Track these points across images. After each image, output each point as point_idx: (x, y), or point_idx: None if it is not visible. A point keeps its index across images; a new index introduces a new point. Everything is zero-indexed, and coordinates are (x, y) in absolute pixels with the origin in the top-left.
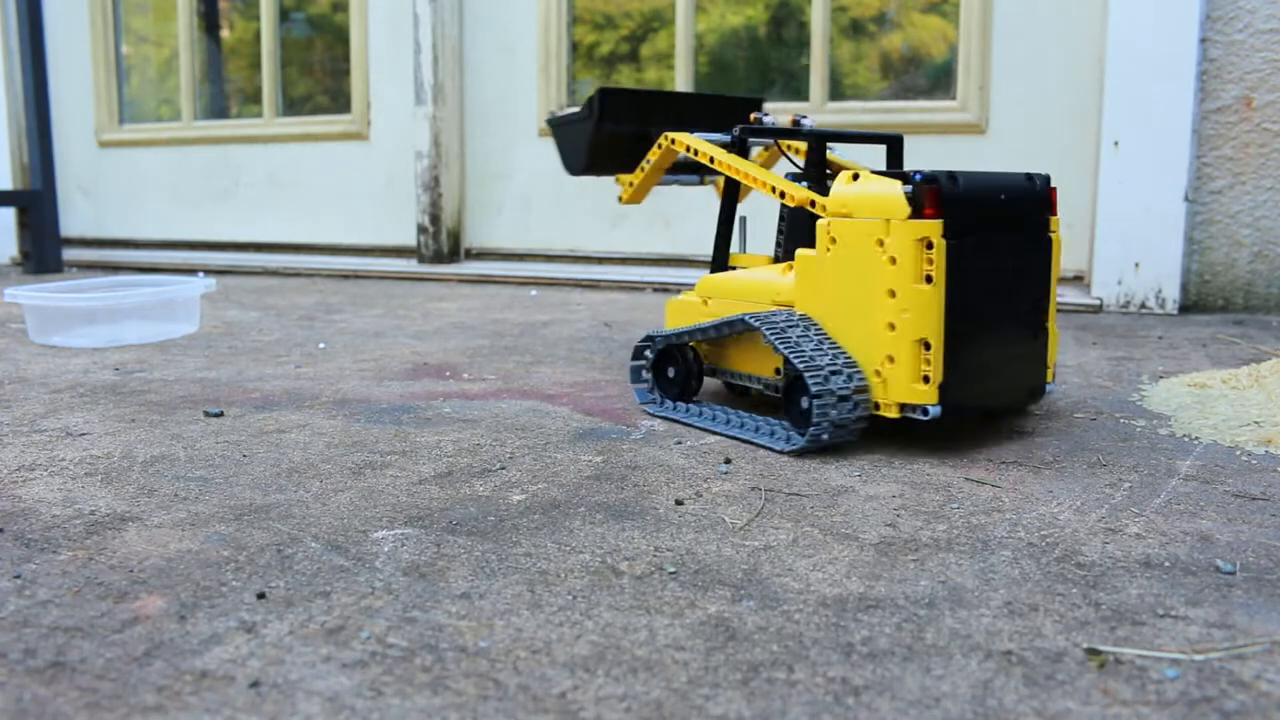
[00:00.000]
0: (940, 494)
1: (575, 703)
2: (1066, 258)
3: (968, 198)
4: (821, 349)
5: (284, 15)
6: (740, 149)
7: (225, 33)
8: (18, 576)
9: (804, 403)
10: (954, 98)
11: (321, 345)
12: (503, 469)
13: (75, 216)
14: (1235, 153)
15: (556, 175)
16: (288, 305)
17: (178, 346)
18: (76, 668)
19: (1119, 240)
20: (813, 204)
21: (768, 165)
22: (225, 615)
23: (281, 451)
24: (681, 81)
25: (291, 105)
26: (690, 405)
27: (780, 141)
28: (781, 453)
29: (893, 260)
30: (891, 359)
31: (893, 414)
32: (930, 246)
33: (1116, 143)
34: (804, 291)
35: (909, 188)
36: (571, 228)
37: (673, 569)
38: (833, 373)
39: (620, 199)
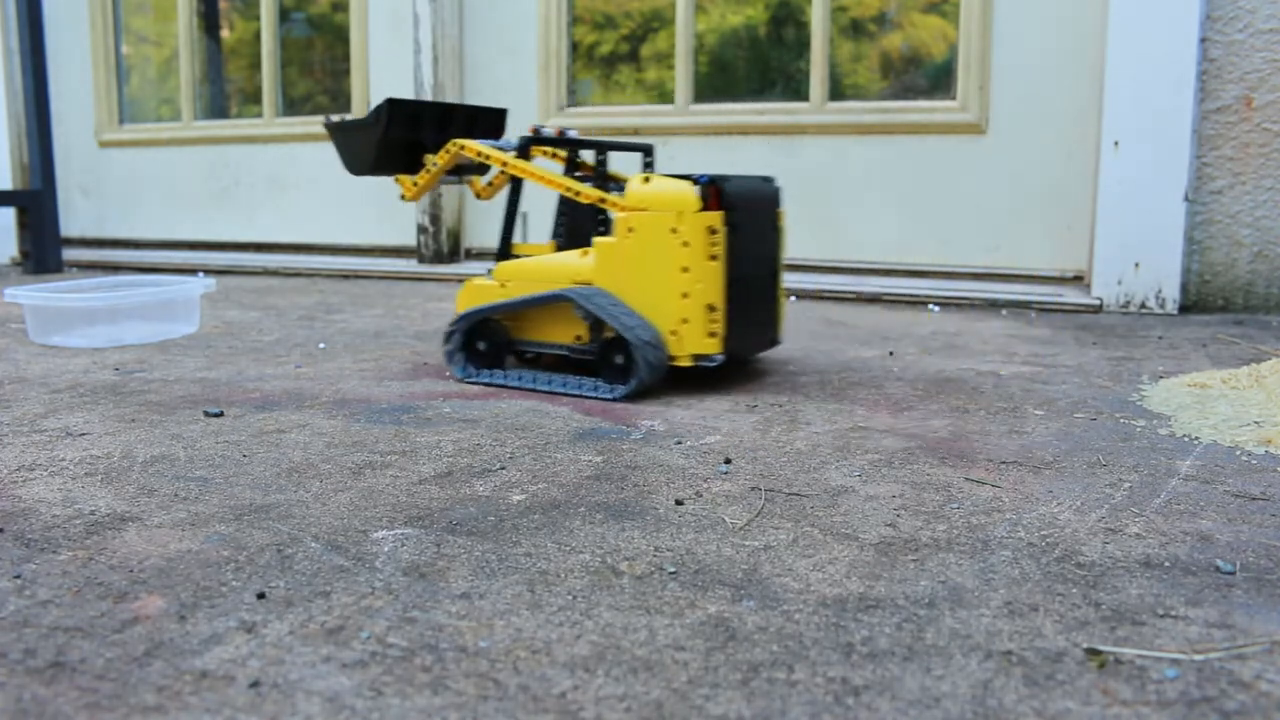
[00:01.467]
0: (940, 494)
1: (575, 703)
2: (1067, 258)
3: (735, 195)
4: (630, 315)
5: (284, 15)
6: (523, 155)
7: (225, 33)
8: (18, 576)
9: (618, 359)
10: (954, 98)
11: (321, 345)
12: (503, 469)
13: (75, 216)
14: (1235, 153)
15: None
16: (288, 305)
17: (178, 346)
18: (76, 668)
19: (1119, 240)
20: (602, 201)
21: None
22: (225, 615)
23: (281, 451)
24: (681, 82)
25: (291, 105)
26: (508, 371)
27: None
28: (610, 400)
29: (685, 244)
30: (686, 320)
31: (686, 363)
32: (715, 232)
33: (1116, 143)
34: (604, 271)
35: (698, 187)
36: None
37: (673, 569)
38: (643, 331)
39: (404, 197)
